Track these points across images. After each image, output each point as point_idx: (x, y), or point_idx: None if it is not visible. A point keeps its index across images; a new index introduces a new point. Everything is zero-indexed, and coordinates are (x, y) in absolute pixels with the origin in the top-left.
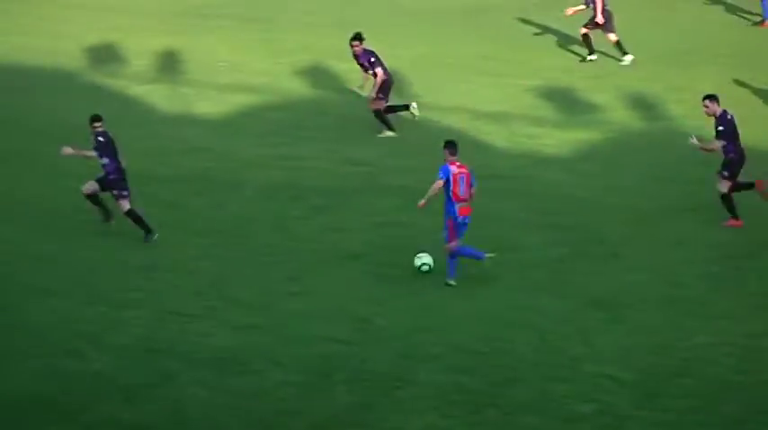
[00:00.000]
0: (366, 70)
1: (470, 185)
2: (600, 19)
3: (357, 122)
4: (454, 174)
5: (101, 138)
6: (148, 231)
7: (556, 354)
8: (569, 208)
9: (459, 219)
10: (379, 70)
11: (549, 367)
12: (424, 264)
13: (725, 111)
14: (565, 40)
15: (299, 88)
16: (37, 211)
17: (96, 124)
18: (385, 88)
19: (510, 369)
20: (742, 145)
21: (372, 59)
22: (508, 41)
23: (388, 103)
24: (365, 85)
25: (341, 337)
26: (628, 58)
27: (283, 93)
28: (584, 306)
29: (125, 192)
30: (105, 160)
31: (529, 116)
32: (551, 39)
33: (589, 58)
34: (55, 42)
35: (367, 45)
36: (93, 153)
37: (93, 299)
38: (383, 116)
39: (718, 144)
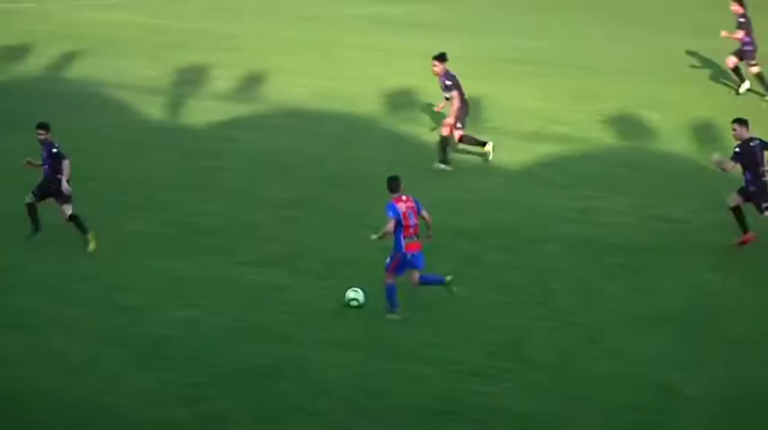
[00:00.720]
0: (445, 91)
1: (417, 217)
2: (744, 48)
3: (667, 175)
4: (403, 212)
5: (54, 149)
6: (85, 232)
7: None
8: None
9: (408, 256)
10: (455, 94)
11: None
12: (353, 299)
13: (750, 139)
14: None
15: (605, 138)
16: (326, 261)
17: (39, 131)
18: (460, 115)
19: None
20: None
21: (449, 83)
22: None
23: (465, 132)
24: (442, 105)
25: (646, 406)
26: None
27: (589, 142)
28: None
29: (64, 199)
30: (46, 167)
31: None
32: None
33: (743, 88)
34: (355, 87)
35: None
36: (67, 162)
37: (382, 353)
38: (444, 147)
39: (731, 164)
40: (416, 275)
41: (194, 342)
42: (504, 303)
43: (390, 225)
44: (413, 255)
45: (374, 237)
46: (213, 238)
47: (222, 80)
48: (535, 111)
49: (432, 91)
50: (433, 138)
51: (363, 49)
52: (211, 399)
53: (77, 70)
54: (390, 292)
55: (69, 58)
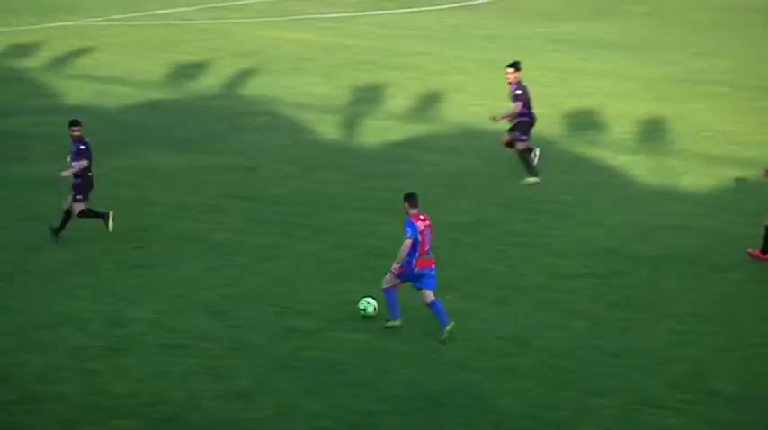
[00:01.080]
0: (513, 100)
1: (432, 236)
2: None
3: None
4: (421, 231)
5: (82, 146)
6: (104, 217)
7: None
8: None
9: (415, 270)
10: (518, 104)
11: None
12: (363, 309)
13: None
14: None
15: None
16: (503, 287)
17: (74, 128)
18: (525, 127)
19: None
20: None
21: (519, 92)
22: None
23: (529, 145)
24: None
25: None
26: None
27: None
28: None
29: (79, 197)
30: (75, 163)
31: None
32: None
33: None
34: (534, 107)
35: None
36: (85, 163)
37: (563, 384)
38: (526, 157)
39: None
40: (429, 297)
41: (367, 367)
42: (686, 332)
43: (407, 244)
44: (420, 270)
45: (396, 266)
46: (386, 261)
47: (399, 99)
48: (721, 133)
49: (611, 111)
50: (615, 160)
51: (541, 68)
52: (384, 427)
53: (251, 88)
54: (390, 297)
55: (244, 75)
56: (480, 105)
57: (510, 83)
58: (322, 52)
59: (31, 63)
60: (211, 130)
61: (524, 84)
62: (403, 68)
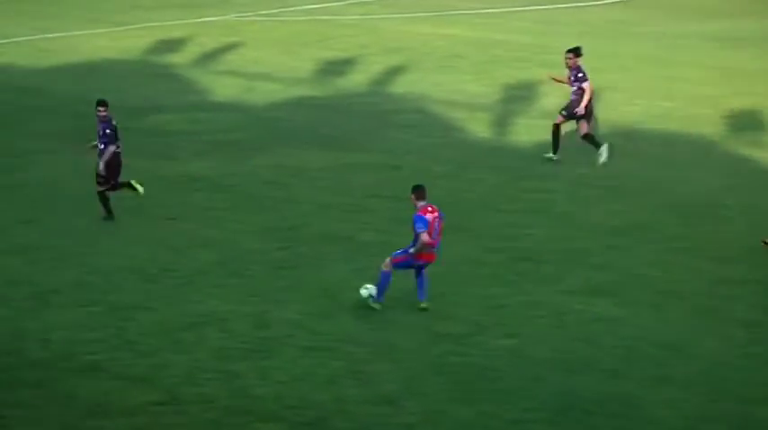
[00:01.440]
0: (571, 83)
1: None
2: None
3: None
4: (430, 222)
5: (108, 130)
6: (108, 213)
7: None
8: None
9: (417, 263)
10: (586, 85)
11: None
12: (368, 295)
13: None
14: None
15: None
16: (659, 293)
17: (101, 108)
18: (572, 109)
19: None
20: None
21: (580, 74)
22: None
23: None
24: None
25: None
26: None
27: None
28: None
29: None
30: (102, 146)
31: None
32: None
33: None
34: (692, 107)
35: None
36: (112, 149)
37: (722, 394)
38: (557, 135)
39: None
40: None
41: (516, 373)
42: None
43: (425, 236)
44: (425, 262)
45: (411, 251)
46: (537, 265)
47: (552, 97)
48: None
49: None
50: None
51: (700, 66)
52: None
53: (400, 85)
54: (384, 280)
55: (393, 72)
56: (636, 105)
57: (570, 68)
58: (473, 48)
59: (178, 59)
60: (359, 128)
61: (585, 69)
62: (558, 65)
